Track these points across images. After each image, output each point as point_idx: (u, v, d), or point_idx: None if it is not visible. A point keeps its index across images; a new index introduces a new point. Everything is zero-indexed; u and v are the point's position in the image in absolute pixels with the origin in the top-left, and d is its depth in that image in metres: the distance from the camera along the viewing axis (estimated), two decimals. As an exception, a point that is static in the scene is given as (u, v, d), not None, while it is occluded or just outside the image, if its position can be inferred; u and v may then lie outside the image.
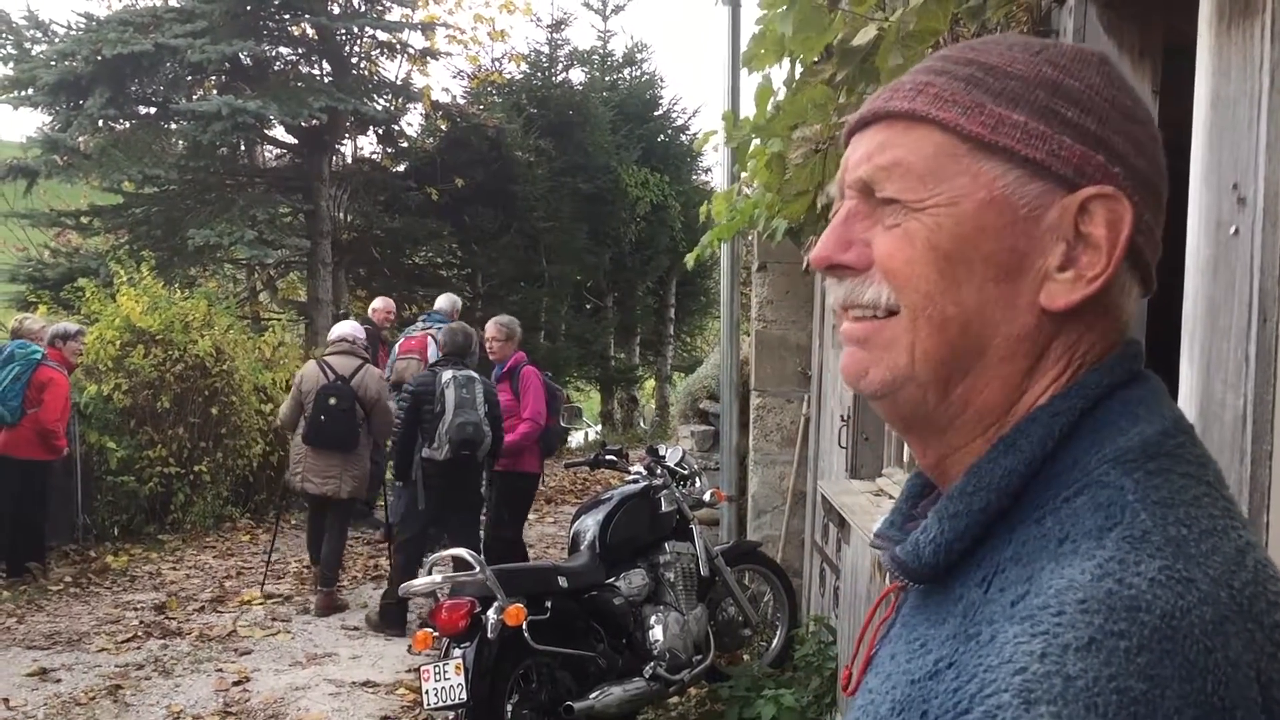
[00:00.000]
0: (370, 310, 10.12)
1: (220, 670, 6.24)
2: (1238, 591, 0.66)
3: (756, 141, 3.65)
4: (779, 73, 3.29)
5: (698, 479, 6.11)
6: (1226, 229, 1.61)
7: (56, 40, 12.97)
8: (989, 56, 0.80)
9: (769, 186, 3.73)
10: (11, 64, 12.82)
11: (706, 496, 6.15)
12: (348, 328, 8.00)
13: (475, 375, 6.94)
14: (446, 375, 6.90)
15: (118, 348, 9.69)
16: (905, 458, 4.86)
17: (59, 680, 6.03)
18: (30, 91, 12.67)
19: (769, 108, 3.38)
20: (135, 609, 7.43)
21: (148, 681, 6.04)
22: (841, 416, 5.52)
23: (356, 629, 7.12)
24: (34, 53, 12.92)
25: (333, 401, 7.34)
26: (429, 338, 8.63)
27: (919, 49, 2.43)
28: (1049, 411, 0.77)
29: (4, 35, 12.85)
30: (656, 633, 5.34)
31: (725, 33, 7.18)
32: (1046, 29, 2.40)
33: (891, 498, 4.70)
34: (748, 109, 3.52)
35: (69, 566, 8.43)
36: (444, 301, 9.40)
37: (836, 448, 5.62)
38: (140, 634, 6.86)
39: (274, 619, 7.29)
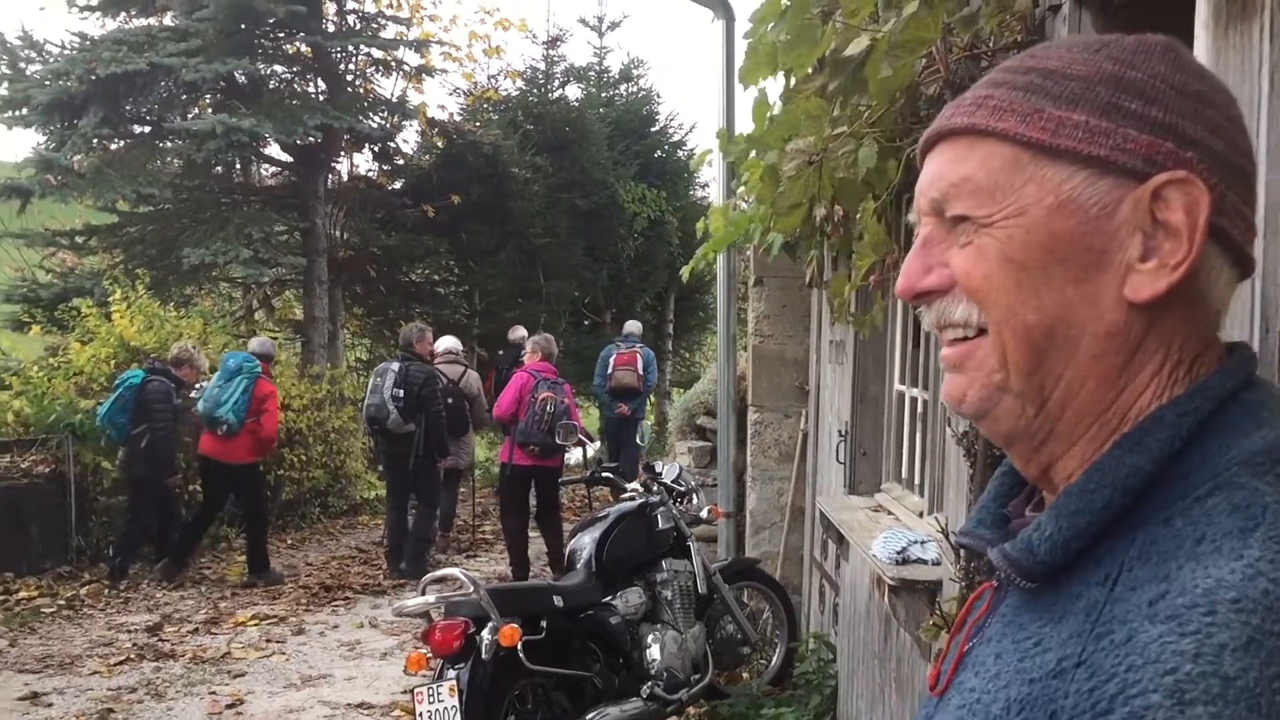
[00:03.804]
0: (520, 338, 11.54)
1: (214, 693, 6.18)
2: None
3: (753, 155, 3.62)
4: (775, 86, 3.26)
5: (695, 495, 6.06)
6: (1227, 237, 1.57)
7: (51, 60, 12.91)
8: (1048, 61, 0.81)
9: (763, 200, 3.70)
10: (5, 84, 12.76)
11: (704, 513, 6.09)
12: (451, 341, 9.90)
13: (393, 366, 8.71)
14: (376, 368, 8.93)
15: (113, 367, 9.66)
16: (904, 473, 4.82)
17: (50, 704, 5.96)
18: (24, 111, 12.60)
19: (766, 121, 3.35)
20: (128, 631, 7.36)
21: (140, 705, 5.97)
22: (839, 431, 5.48)
23: (351, 649, 7.06)
24: (28, 72, 12.86)
25: (450, 401, 9.06)
26: (636, 354, 11.82)
27: (910, 59, 2.39)
28: (1175, 411, 0.76)
29: (-2, 55, 12.84)
30: (654, 652, 5.28)
31: (720, 48, 7.17)
32: (1040, 37, 2.37)
33: (890, 514, 4.66)
34: (743, 123, 3.50)
35: (62, 587, 8.36)
36: (634, 326, 12.61)
37: (834, 463, 5.57)
38: (133, 656, 6.79)
39: (268, 640, 7.23)
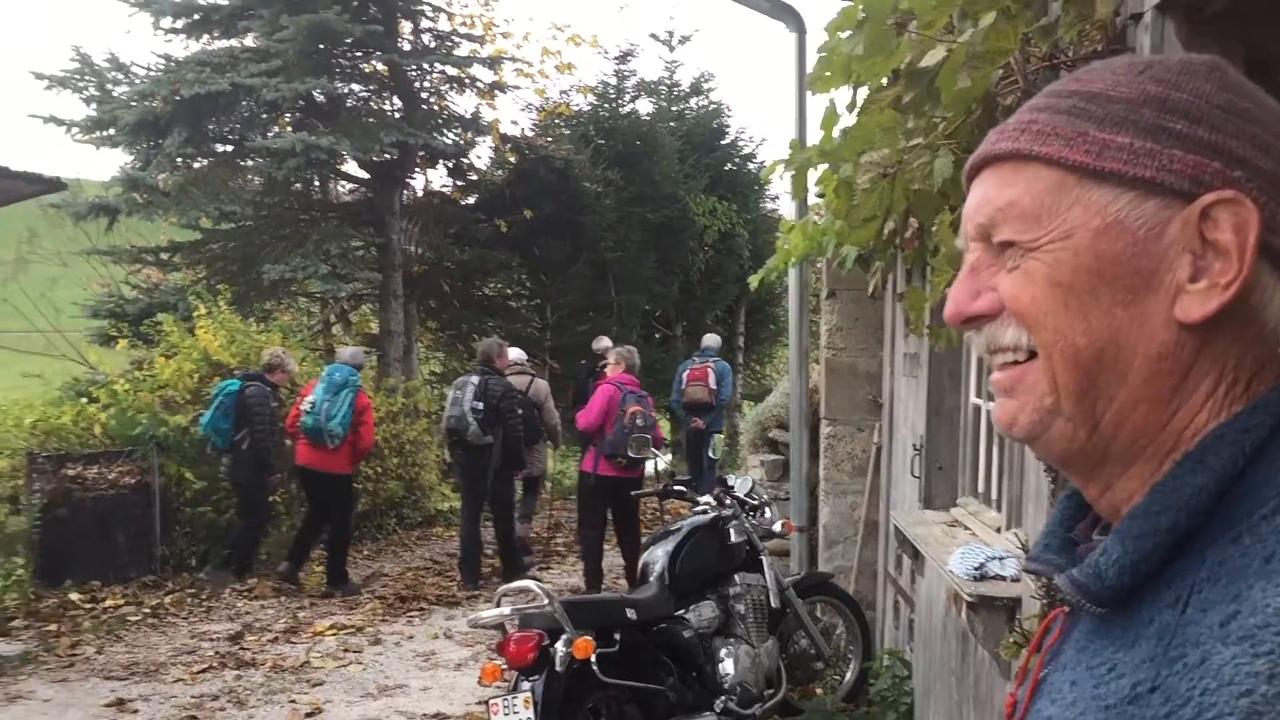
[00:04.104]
0: (604, 348, 11.63)
1: (293, 701, 6.28)
2: None
3: (824, 167, 3.61)
4: (844, 97, 3.25)
5: (768, 509, 6.04)
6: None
7: (137, 81, 13.26)
8: (1092, 84, 0.81)
9: (837, 213, 3.68)
10: (94, 105, 13.15)
11: (777, 527, 6.07)
12: (516, 353, 10.28)
13: (472, 379, 8.99)
14: (455, 381, 9.34)
15: (196, 380, 9.89)
16: (981, 488, 4.75)
17: (136, 711, 6.11)
18: (112, 131, 12.96)
19: (835, 133, 3.34)
20: (210, 639, 7.52)
21: (222, 713, 6.09)
22: (914, 445, 5.42)
23: (427, 660, 7.13)
24: (115, 94, 13.23)
25: (520, 411, 9.26)
26: (709, 368, 12.08)
27: (987, 70, 2.37)
28: (1236, 428, 0.75)
29: (87, 77, 13.21)
30: (727, 665, 5.26)
31: (792, 60, 7.15)
32: (1121, 46, 2.33)
33: (967, 529, 4.60)
34: (815, 137, 3.48)
35: (147, 596, 8.57)
36: (712, 340, 12.82)
37: (909, 477, 5.52)
38: (215, 664, 6.93)
39: (346, 650, 7.34)
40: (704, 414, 12.17)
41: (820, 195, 4.01)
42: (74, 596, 8.31)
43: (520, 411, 9.27)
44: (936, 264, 3.03)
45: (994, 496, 4.50)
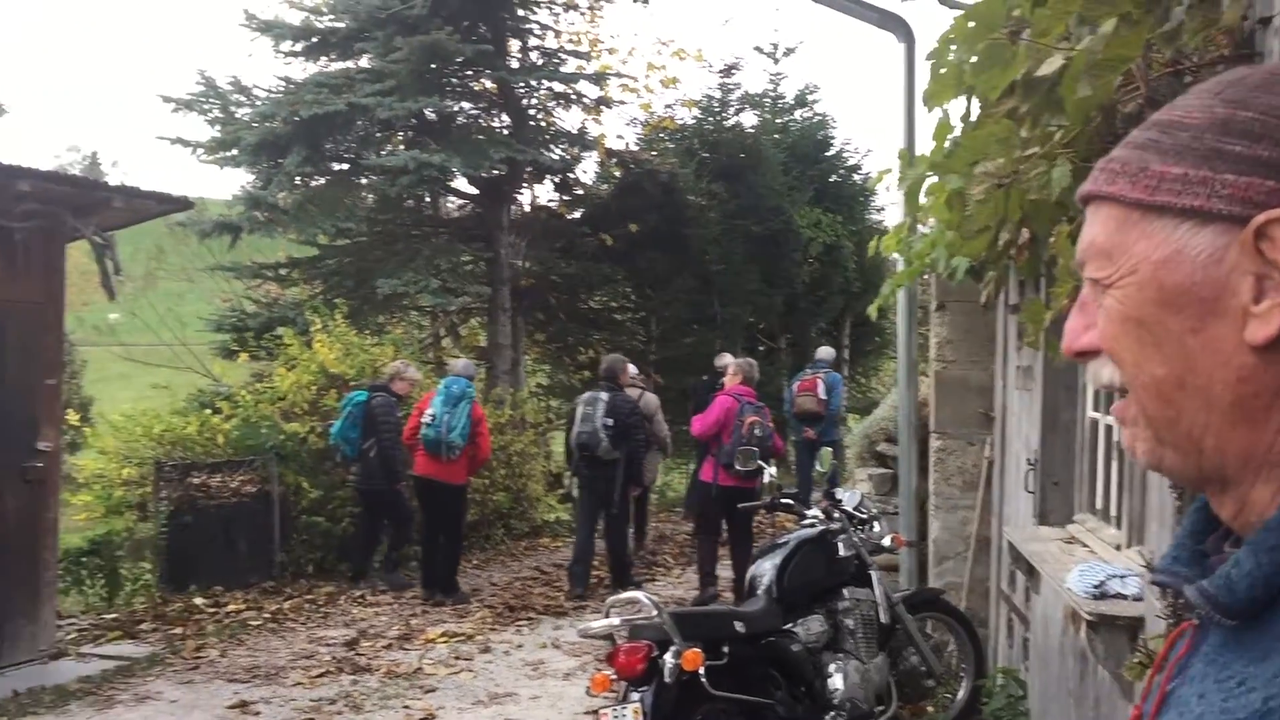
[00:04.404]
0: (725, 365, 11.51)
1: (407, 707, 6.41)
2: None
3: (934, 179, 3.57)
4: (956, 107, 3.21)
5: (876, 523, 5.97)
6: None
7: (258, 103, 13.71)
8: (1174, 111, 0.81)
9: (949, 225, 3.64)
10: (218, 126, 13.65)
11: (886, 541, 6.00)
12: (633, 369, 10.52)
13: (602, 396, 9.23)
14: (583, 397, 9.54)
15: (313, 392, 10.17)
16: (1099, 504, 4.64)
17: (258, 713, 6.30)
18: (234, 152, 13.41)
19: (946, 144, 3.31)
20: (327, 645, 7.71)
21: (339, 717, 6.25)
22: (1028, 460, 5.32)
23: (535, 669, 7.21)
24: (238, 115, 13.70)
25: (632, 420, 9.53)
26: (818, 379, 12.32)
27: (1109, 77, 2.33)
28: None
29: (211, 100, 13.70)
30: (836, 681, 5.21)
31: (901, 71, 7.10)
32: (1249, 51, 2.28)
33: (1084, 545, 4.50)
34: (923, 148, 3.45)
35: (267, 601, 8.83)
36: (825, 352, 13.25)
37: (1023, 492, 5.41)
38: (332, 669, 7.11)
39: (457, 657, 7.46)
40: (814, 424, 12.31)
41: (925, 209, 3.97)
42: (198, 601, 8.61)
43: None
44: (1058, 274, 2.98)
45: (1113, 513, 4.39)
